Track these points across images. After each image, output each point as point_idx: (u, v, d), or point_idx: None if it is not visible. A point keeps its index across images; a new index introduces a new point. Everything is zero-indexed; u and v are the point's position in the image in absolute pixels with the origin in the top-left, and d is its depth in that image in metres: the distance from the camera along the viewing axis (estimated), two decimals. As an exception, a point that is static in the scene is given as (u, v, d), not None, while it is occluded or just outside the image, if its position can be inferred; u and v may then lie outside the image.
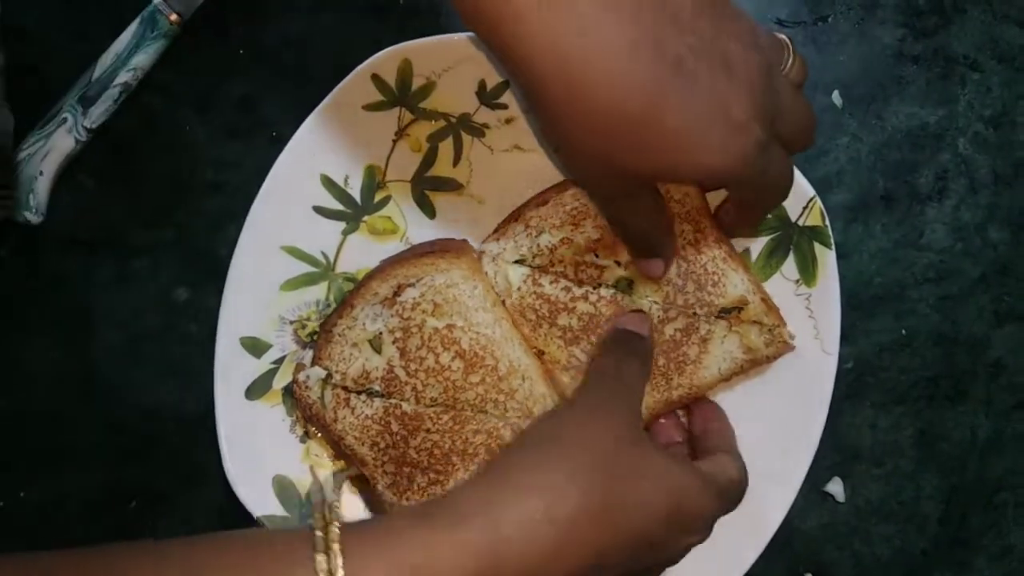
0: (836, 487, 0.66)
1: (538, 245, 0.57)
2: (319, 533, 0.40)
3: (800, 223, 0.62)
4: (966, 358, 0.66)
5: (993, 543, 0.66)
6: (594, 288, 0.57)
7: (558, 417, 0.52)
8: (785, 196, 0.53)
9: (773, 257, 0.63)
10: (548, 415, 0.56)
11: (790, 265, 0.62)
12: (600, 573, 0.44)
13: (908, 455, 0.66)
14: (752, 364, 0.59)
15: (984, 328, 0.67)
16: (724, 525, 0.63)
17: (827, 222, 0.61)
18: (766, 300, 0.59)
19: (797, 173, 0.61)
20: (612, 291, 0.57)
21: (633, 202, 0.51)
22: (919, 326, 0.66)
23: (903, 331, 0.66)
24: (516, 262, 0.58)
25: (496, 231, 0.59)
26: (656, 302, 0.58)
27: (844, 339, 0.62)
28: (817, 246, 0.62)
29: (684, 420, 0.61)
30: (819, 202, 0.61)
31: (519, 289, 0.57)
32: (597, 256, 0.57)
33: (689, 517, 0.48)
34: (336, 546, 0.40)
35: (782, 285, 0.62)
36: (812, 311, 0.62)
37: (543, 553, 0.41)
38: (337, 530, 0.41)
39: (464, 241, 0.63)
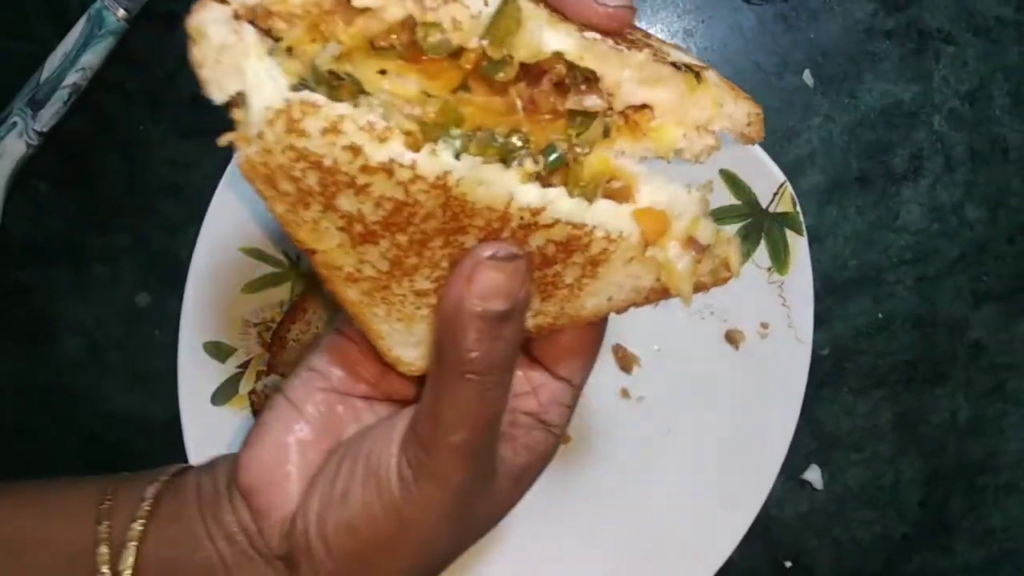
0: (814, 475, 0.65)
1: None
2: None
3: (771, 210, 0.60)
4: (945, 340, 0.65)
5: (974, 526, 0.65)
6: (413, 146, 0.32)
7: (394, 520, 0.39)
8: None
9: (744, 244, 0.61)
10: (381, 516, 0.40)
11: (762, 252, 0.61)
12: None
13: (887, 440, 0.65)
14: (661, 296, 0.38)
15: (963, 309, 0.65)
16: (701, 516, 0.63)
17: (798, 208, 0.60)
18: (731, 84, 0.37)
19: (767, 158, 0.59)
20: (441, 166, 0.32)
21: None
22: (896, 309, 0.65)
23: (880, 315, 0.65)
24: (273, 51, 0.32)
25: None
26: (559, 54, 0.33)
27: (820, 324, 0.61)
28: (789, 233, 0.60)
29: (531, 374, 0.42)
30: (790, 188, 0.59)
31: (263, 133, 0.31)
32: None
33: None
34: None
35: (754, 273, 0.61)
36: (785, 299, 0.61)
37: None
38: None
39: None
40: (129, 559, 0.41)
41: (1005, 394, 0.65)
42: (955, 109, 0.65)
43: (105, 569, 0.41)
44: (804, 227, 0.59)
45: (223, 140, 0.32)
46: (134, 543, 0.41)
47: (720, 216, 0.61)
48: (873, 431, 0.65)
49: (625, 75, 0.34)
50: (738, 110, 0.36)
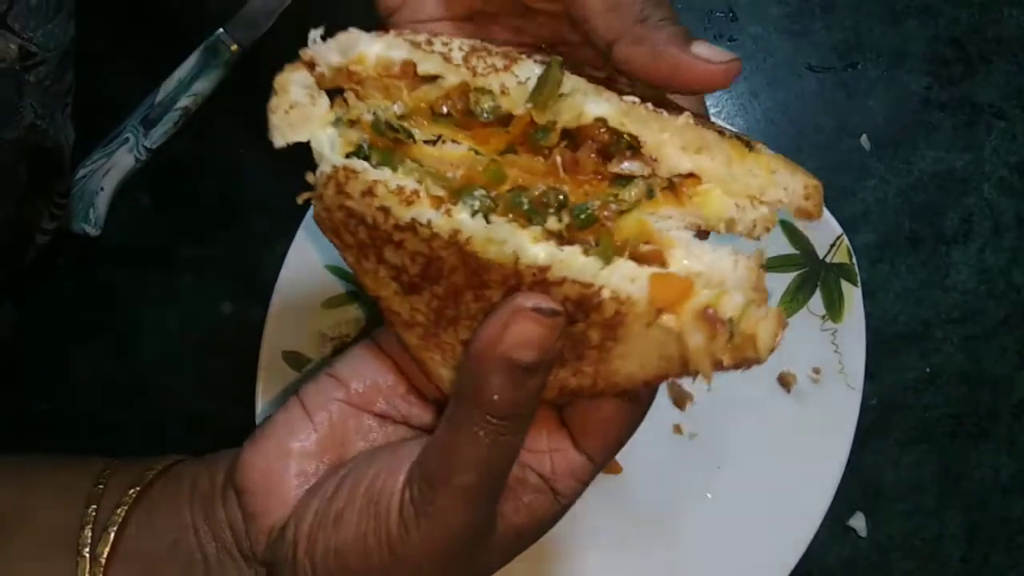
0: (859, 522, 0.67)
1: (414, 38, 0.37)
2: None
3: (827, 260, 0.63)
4: (990, 398, 0.67)
5: (1015, 584, 0.66)
6: (426, 223, 0.35)
7: (385, 556, 0.38)
8: None
9: (800, 292, 0.64)
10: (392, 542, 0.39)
11: (816, 301, 0.64)
12: None
13: (931, 492, 0.67)
14: (692, 372, 0.36)
15: (1008, 368, 0.68)
16: (745, 556, 0.64)
17: (854, 259, 0.63)
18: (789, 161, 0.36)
19: (825, 212, 0.63)
20: (452, 225, 0.35)
21: None
22: (943, 365, 0.68)
23: (927, 369, 0.68)
24: (337, 122, 0.37)
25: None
26: (601, 119, 0.35)
27: (869, 376, 0.63)
28: (844, 283, 0.63)
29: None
30: (846, 240, 0.63)
31: (322, 196, 0.36)
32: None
33: None
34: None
35: (808, 320, 0.64)
36: (838, 346, 0.63)
37: None
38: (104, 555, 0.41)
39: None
40: (106, 545, 0.41)
41: (1048, 455, 0.67)
42: (1005, 178, 0.68)
43: (85, 552, 0.42)
44: (859, 278, 0.63)
45: (301, 198, 0.37)
46: (114, 528, 0.42)
47: (777, 265, 0.65)
48: (917, 483, 0.67)
49: (665, 138, 0.34)
50: (794, 181, 0.35)
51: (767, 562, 0.63)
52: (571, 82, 0.35)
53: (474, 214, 0.34)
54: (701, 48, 0.35)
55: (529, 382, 0.35)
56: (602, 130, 0.35)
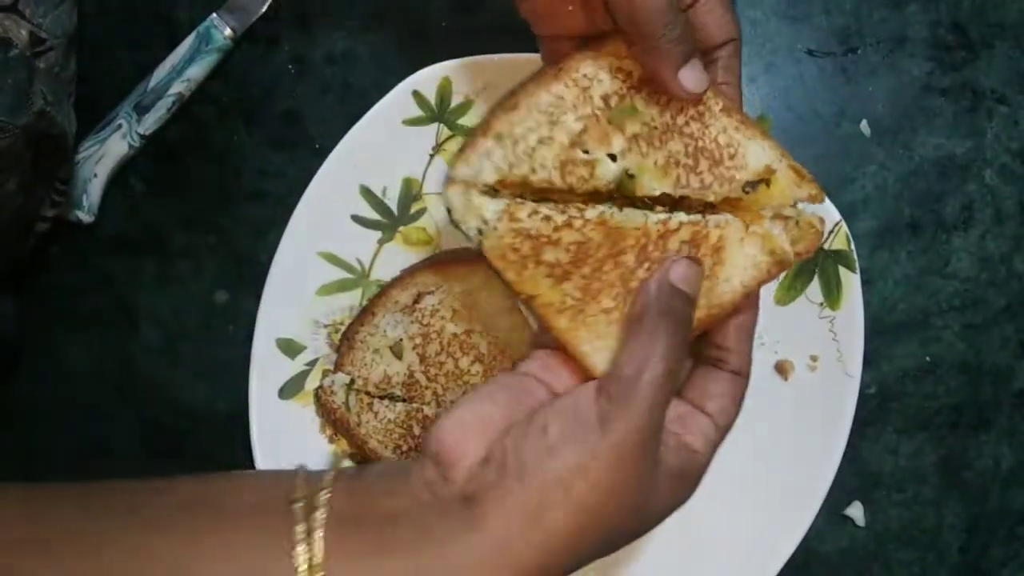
0: (856, 511, 0.66)
1: (515, 153, 0.47)
2: (299, 521, 0.40)
3: (826, 247, 0.63)
4: (990, 387, 0.67)
5: (1014, 575, 0.66)
6: (579, 211, 0.47)
7: (590, 447, 0.42)
8: None
9: (798, 280, 0.64)
10: (575, 428, 0.43)
11: (815, 288, 0.63)
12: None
13: (930, 482, 0.66)
14: (780, 267, 0.48)
15: (1008, 358, 0.67)
16: (742, 544, 0.64)
17: (852, 246, 0.62)
18: (795, 167, 0.49)
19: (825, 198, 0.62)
20: (599, 211, 0.47)
21: None
22: (943, 354, 0.67)
23: (927, 358, 0.67)
24: (489, 189, 0.47)
25: (461, 151, 0.47)
26: (666, 192, 0.47)
27: (867, 364, 0.63)
28: (842, 270, 0.63)
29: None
30: (845, 226, 0.62)
31: (495, 229, 0.46)
32: (587, 153, 0.47)
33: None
34: (319, 539, 0.40)
35: (806, 308, 0.63)
36: (836, 334, 0.63)
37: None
38: (322, 517, 0.40)
39: (480, 251, 0.64)
40: (320, 510, 0.41)
41: (1049, 446, 0.66)
42: (1007, 165, 0.67)
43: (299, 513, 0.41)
44: (858, 265, 0.62)
45: (476, 240, 0.46)
46: (327, 493, 0.41)
47: (775, 252, 0.64)
48: (916, 473, 0.66)
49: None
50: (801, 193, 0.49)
51: (763, 551, 0.63)
52: (641, 176, 0.47)
53: (610, 201, 0.47)
54: (686, 74, 0.46)
55: (686, 305, 0.45)
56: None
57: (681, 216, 0.47)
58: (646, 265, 0.47)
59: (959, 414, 0.67)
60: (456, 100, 0.66)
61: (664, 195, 0.48)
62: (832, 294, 0.63)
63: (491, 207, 0.46)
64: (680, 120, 0.48)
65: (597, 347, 0.46)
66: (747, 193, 0.48)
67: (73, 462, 0.68)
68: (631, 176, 0.48)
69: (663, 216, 0.47)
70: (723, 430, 0.47)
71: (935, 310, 0.67)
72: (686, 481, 0.45)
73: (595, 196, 0.47)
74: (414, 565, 0.40)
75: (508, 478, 0.40)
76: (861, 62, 0.68)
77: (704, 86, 0.46)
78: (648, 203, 0.48)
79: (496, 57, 0.64)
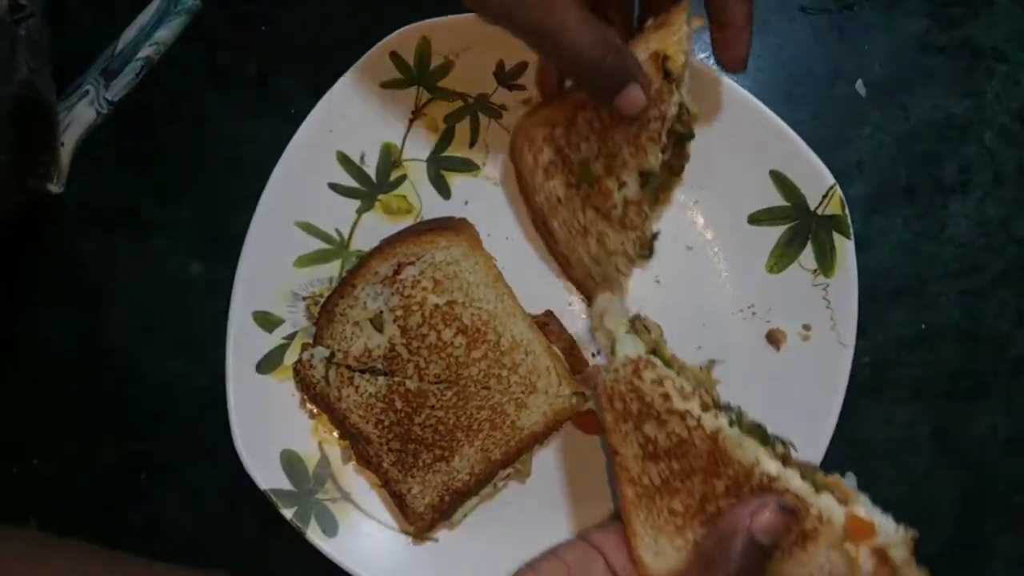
0: (850, 482, 0.64)
1: None
2: None
3: (819, 212, 0.61)
4: (986, 355, 0.65)
5: (1009, 546, 0.65)
6: (698, 413, 0.49)
7: None
8: None
9: (791, 246, 0.62)
10: None
11: (808, 254, 0.61)
12: None
13: (925, 452, 0.65)
14: None
15: (1006, 325, 0.65)
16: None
17: (847, 211, 0.60)
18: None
19: (818, 160, 0.60)
20: (718, 424, 0.49)
21: (552, 16, 0.49)
22: (939, 321, 0.65)
23: (922, 326, 0.65)
24: (632, 326, 0.51)
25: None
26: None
27: (862, 333, 0.61)
28: (836, 235, 0.61)
29: None
30: (839, 191, 0.60)
31: (617, 371, 0.50)
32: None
33: None
34: None
35: (799, 275, 0.62)
36: (830, 301, 0.61)
37: None
38: None
39: (463, 219, 0.63)
40: None
41: (1046, 414, 0.65)
42: (1006, 126, 0.65)
43: None
44: (852, 231, 0.60)
45: (607, 355, 0.50)
46: None
47: (768, 217, 0.62)
48: (910, 443, 0.65)
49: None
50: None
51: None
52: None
53: (731, 424, 0.49)
54: (619, 103, 0.52)
55: (761, 560, 0.47)
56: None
57: (794, 480, 0.48)
58: (732, 500, 0.48)
59: (954, 383, 0.65)
60: (436, 62, 0.63)
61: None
62: (826, 260, 0.61)
63: (628, 343, 0.50)
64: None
65: (648, 534, 0.50)
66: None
67: (50, 442, 0.66)
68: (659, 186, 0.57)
69: (775, 470, 0.48)
70: None
71: (931, 276, 0.65)
72: None
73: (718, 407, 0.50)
74: None
75: None
76: (856, 19, 0.66)
77: (638, 108, 0.51)
78: (773, 450, 0.49)
79: (477, 16, 0.61)
